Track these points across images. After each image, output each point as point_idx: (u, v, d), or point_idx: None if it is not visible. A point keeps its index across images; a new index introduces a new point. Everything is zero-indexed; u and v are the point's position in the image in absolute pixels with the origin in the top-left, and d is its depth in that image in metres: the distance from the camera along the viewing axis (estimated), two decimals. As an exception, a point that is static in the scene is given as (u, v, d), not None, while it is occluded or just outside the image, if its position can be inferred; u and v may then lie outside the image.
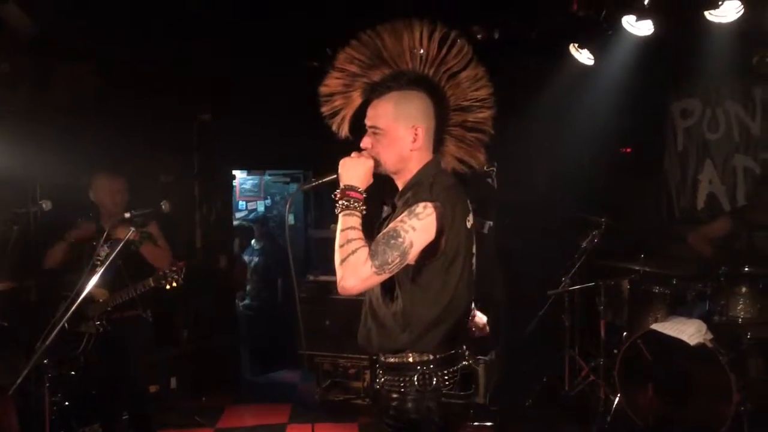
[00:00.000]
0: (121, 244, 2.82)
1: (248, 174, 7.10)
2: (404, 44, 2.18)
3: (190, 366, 5.49)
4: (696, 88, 5.66)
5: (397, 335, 2.17)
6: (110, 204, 3.91)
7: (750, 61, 4.99)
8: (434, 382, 2.16)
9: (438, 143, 2.26)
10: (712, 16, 4.38)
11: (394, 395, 2.20)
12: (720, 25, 4.41)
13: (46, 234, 4.10)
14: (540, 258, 5.47)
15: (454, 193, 2.17)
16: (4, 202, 4.50)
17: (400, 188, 2.26)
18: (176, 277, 3.27)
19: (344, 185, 2.13)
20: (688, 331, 4.10)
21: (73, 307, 2.71)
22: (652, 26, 4.58)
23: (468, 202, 2.25)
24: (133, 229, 2.85)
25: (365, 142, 2.23)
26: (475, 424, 4.88)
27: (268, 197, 7.50)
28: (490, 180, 4.97)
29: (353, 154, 2.19)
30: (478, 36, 4.87)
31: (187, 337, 5.54)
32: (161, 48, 5.04)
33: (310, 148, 6.56)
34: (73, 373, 3.98)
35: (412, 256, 2.07)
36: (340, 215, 2.10)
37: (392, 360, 2.22)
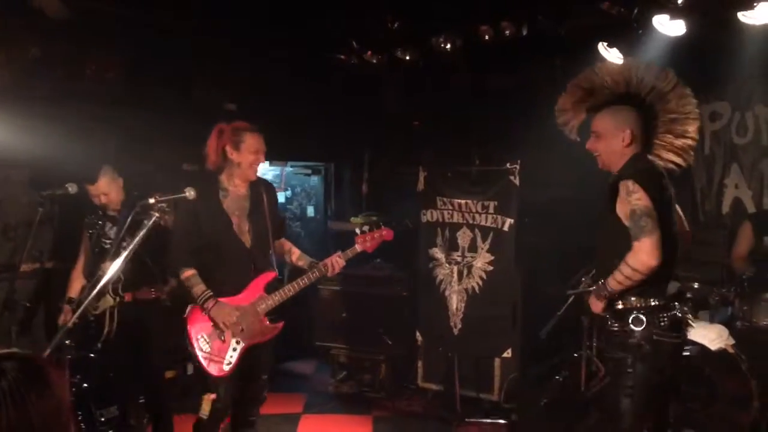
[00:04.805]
0: (148, 227, 2.83)
1: (270, 164, 7.11)
2: (621, 77, 3.01)
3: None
4: (726, 91, 5.56)
5: None
6: (104, 201, 3.92)
7: (782, 65, 4.90)
8: None
9: (648, 147, 2.99)
10: (745, 17, 4.31)
11: None
12: (753, 27, 4.34)
13: (71, 217, 4.14)
14: (560, 257, 5.42)
15: (647, 174, 2.83)
16: (30, 184, 4.58)
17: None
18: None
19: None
20: (710, 335, 4.05)
21: (97, 289, 2.73)
22: (684, 27, 4.52)
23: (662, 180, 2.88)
24: (157, 214, 2.86)
25: (588, 144, 3.06)
26: (489, 421, 4.88)
27: (289, 189, 7.51)
28: (512, 177, 4.95)
29: None
30: (507, 32, 4.84)
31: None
32: (188, 37, 5.07)
33: (332, 141, 6.61)
34: (92, 355, 4.02)
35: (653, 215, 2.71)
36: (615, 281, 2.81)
37: None
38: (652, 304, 2.81)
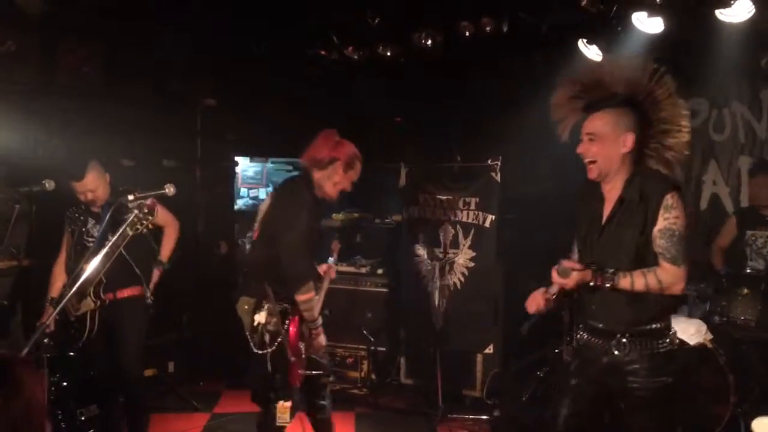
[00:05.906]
0: (125, 226, 2.80)
1: (251, 161, 7.07)
2: (623, 74, 2.69)
3: (189, 350, 5.49)
4: (704, 88, 5.62)
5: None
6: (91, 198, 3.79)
7: (759, 62, 4.96)
8: None
9: (639, 156, 2.70)
10: (723, 15, 4.35)
11: None
12: (730, 25, 4.39)
13: (49, 214, 4.08)
14: (541, 253, 5.45)
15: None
16: (5, 180, 4.51)
17: (612, 187, 2.69)
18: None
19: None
20: (689, 330, 4.09)
21: (76, 286, 2.70)
22: (662, 24, 4.56)
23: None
24: (136, 211, 2.82)
25: (581, 148, 2.71)
26: (471, 416, 4.90)
27: (270, 185, 7.47)
28: (493, 174, 4.97)
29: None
30: (487, 28, 4.84)
31: (187, 321, 5.54)
32: (166, 31, 5.02)
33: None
34: (71, 354, 3.97)
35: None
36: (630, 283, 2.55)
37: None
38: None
